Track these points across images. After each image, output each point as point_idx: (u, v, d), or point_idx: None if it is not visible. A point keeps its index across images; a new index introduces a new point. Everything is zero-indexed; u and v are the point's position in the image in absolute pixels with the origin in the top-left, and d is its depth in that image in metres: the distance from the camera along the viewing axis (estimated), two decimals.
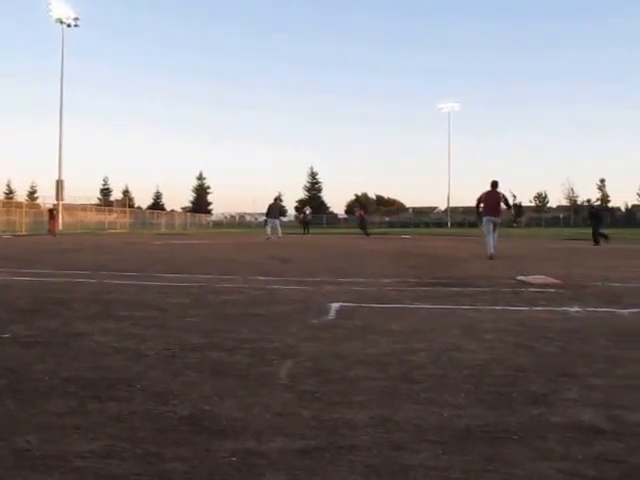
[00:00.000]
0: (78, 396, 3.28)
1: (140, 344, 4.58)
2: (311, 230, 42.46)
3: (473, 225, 36.30)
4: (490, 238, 15.24)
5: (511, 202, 22.33)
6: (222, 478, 2.29)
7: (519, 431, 2.79)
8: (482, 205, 16.10)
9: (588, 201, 23.72)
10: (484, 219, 15.79)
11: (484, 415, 3.02)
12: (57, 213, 41.83)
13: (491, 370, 3.91)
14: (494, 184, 15.99)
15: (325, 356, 4.26)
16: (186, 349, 4.43)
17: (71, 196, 55.40)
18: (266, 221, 31.05)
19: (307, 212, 44.96)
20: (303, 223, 42.90)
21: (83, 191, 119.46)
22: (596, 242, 23.05)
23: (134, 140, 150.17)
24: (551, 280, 9.31)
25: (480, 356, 4.29)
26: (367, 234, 34.39)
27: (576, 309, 6.43)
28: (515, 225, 25.06)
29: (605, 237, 23.43)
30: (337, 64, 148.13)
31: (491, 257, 14.64)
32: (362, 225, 36.69)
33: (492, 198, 15.90)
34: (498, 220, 15.86)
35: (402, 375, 3.77)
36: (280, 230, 29.11)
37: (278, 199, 30.00)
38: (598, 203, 23.65)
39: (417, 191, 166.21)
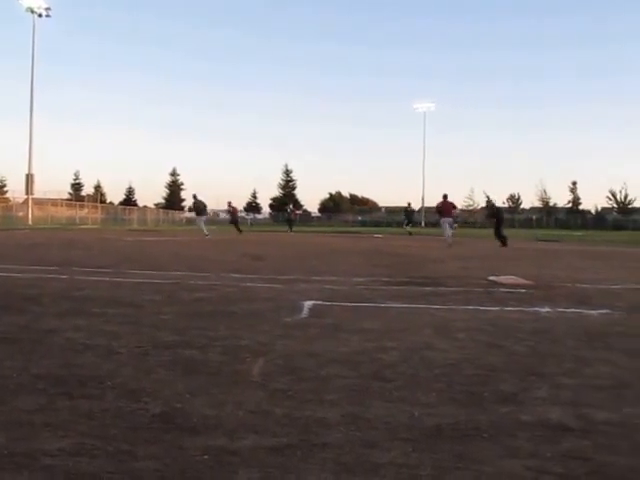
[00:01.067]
0: (48, 393, 3.25)
1: (112, 341, 4.54)
2: (277, 228, 41.91)
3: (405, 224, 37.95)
4: (446, 232, 22.56)
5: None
6: (194, 476, 2.29)
7: (489, 429, 2.83)
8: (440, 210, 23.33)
9: (488, 200, 24.00)
10: (441, 220, 23.51)
11: (455, 413, 3.06)
12: None
13: (462, 369, 3.95)
14: (445, 196, 23.32)
15: (297, 354, 4.28)
16: (158, 346, 4.41)
17: (41, 190, 54.71)
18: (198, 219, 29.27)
19: (288, 210, 44.70)
20: (288, 221, 42.43)
21: (54, 185, 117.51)
22: (503, 243, 22.24)
23: (106, 135, 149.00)
24: (522, 281, 9.43)
25: (451, 355, 4.34)
26: (239, 230, 33.34)
27: (546, 309, 6.53)
28: (456, 225, 27.74)
29: (504, 239, 22.57)
30: (312, 63, 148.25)
31: (450, 245, 21.25)
32: (234, 221, 35.57)
33: (445, 206, 23.22)
34: (450, 220, 23.04)
35: (374, 373, 3.80)
36: (205, 227, 27.79)
37: (197, 196, 28.49)
38: (496, 201, 23.89)
39: (391, 191, 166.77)
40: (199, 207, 28.60)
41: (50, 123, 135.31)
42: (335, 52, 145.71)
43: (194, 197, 28.82)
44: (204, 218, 28.64)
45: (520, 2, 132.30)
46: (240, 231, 32.71)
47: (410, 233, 35.75)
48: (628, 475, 2.38)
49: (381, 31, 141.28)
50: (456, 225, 28.18)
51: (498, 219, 23.94)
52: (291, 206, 45.74)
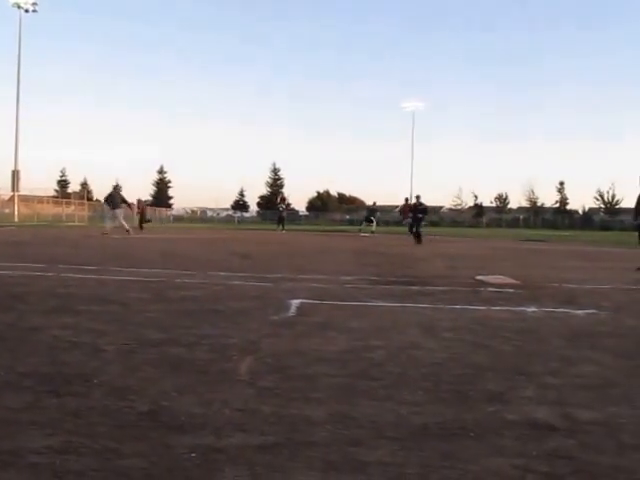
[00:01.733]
0: (34, 391, 3.23)
1: (98, 339, 4.53)
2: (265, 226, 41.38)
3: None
4: (410, 229, 25.81)
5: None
6: (181, 474, 2.29)
7: (475, 428, 2.85)
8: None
9: (417, 197, 25.87)
10: (403, 221, 32.14)
11: (441, 412, 3.07)
12: None
13: (449, 368, 3.97)
14: (406, 200, 33.55)
15: (285, 353, 4.28)
16: (145, 344, 4.41)
17: (27, 187, 54.40)
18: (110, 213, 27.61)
19: (281, 208, 44.19)
20: (279, 219, 41.73)
21: (40, 183, 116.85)
22: (418, 240, 23.11)
23: (93, 132, 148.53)
24: (509, 280, 9.47)
25: (438, 354, 4.36)
26: (140, 227, 32.63)
27: (533, 309, 6.56)
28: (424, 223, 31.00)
29: (418, 236, 23.42)
30: (301, 65, 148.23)
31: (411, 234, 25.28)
32: (142, 218, 34.93)
33: (407, 207, 30.61)
34: (409, 220, 26.50)
35: (361, 372, 3.81)
36: (124, 222, 26.48)
37: (117, 187, 27.52)
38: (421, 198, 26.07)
39: (379, 190, 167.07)
40: (114, 200, 27.55)
41: (37, 120, 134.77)
42: (324, 53, 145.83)
43: (114, 188, 27.97)
44: (115, 212, 27.23)
45: (510, 13, 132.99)
46: (141, 228, 31.98)
47: (372, 232, 35.12)
48: (613, 474, 2.39)
49: (369, 33, 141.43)
50: (424, 224, 29.41)
51: (423, 216, 25.06)
52: (283, 205, 44.99)
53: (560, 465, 2.45)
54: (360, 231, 35.45)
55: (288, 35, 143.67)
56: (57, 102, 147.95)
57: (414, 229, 24.33)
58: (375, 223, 37.33)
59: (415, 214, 25.12)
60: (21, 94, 50.05)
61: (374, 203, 39.52)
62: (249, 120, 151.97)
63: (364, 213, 42.05)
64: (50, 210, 57.65)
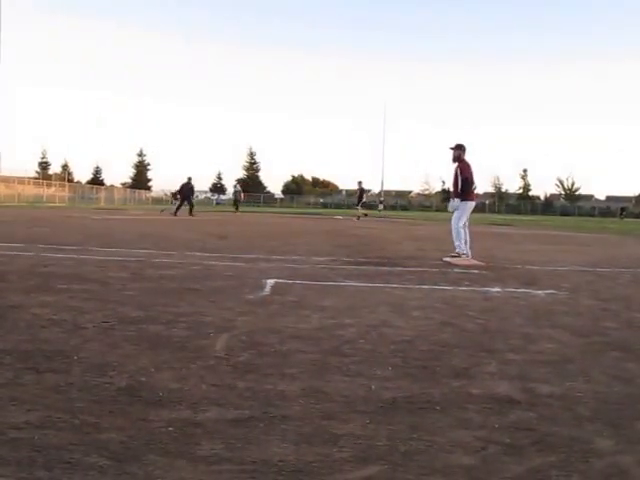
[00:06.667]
0: (14, 368, 3.26)
1: (78, 317, 4.56)
2: (243, 208, 41.47)
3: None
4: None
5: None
6: (159, 447, 2.34)
7: (441, 402, 2.96)
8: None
9: (189, 179, 29.46)
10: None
11: (409, 387, 3.18)
12: None
13: (417, 345, 4.09)
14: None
15: (260, 330, 4.36)
16: (124, 322, 4.45)
17: (8, 168, 53.52)
18: None
19: (235, 189, 43.96)
20: (235, 201, 41.91)
21: (20, 164, 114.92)
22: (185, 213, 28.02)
23: (73, 114, 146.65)
24: (475, 262, 9.65)
25: (407, 332, 4.48)
26: None
27: (497, 289, 6.73)
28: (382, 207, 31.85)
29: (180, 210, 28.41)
30: (278, 49, 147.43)
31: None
32: None
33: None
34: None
35: (333, 349, 3.91)
36: None
37: None
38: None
39: (352, 174, 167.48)
40: None
41: (19, 100, 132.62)
42: (301, 38, 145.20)
43: None
44: None
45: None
46: None
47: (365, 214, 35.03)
48: (570, 444, 2.50)
49: (346, 16, 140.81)
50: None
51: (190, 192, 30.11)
52: (238, 186, 44.81)
53: (520, 437, 2.57)
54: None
55: (263, 18, 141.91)
56: (41, 84, 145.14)
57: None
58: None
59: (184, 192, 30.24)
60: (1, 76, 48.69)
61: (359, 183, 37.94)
62: (228, 105, 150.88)
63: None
64: (31, 191, 56.78)
